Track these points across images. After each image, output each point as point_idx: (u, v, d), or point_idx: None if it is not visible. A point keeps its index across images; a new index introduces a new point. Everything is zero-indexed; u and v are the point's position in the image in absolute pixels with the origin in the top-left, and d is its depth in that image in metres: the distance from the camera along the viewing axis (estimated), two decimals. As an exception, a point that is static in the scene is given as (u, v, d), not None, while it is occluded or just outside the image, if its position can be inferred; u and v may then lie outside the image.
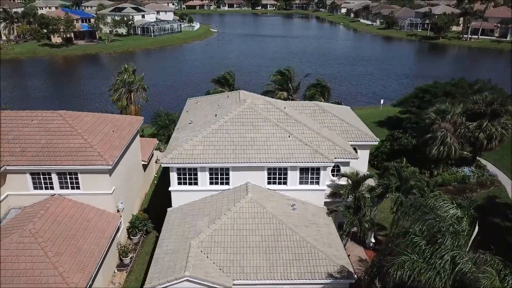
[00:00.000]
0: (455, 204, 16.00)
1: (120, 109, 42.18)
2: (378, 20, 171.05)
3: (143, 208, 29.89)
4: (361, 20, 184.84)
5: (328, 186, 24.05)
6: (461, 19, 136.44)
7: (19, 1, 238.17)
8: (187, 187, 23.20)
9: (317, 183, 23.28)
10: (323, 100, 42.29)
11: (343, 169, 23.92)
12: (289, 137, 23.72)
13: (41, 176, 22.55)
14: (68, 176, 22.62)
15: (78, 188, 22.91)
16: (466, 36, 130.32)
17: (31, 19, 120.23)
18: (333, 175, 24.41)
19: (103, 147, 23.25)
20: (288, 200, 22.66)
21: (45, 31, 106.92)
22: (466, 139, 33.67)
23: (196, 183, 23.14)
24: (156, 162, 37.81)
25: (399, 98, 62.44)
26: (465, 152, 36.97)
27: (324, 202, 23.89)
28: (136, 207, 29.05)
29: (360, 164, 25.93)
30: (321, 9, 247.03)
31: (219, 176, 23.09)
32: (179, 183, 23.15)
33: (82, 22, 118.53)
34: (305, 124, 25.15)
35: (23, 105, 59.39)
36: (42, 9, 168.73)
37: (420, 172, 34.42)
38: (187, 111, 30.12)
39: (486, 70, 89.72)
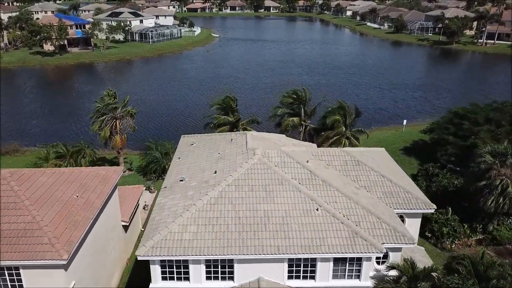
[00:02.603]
0: None
1: (102, 141, 35.64)
2: (386, 24, 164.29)
3: (123, 285, 23.28)
4: (368, 24, 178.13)
5: (371, 277, 17.41)
6: (474, 22, 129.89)
7: (18, 4, 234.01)
8: (174, 283, 16.58)
9: (357, 276, 16.67)
10: (344, 129, 35.84)
11: (392, 257, 17.26)
12: (317, 210, 17.10)
13: (-32, 272, 16.03)
14: (6, 272, 16.06)
15: (20, 287, 16.34)
16: (481, 41, 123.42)
17: (23, 25, 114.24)
18: (378, 262, 17.76)
19: (58, 227, 16.68)
20: (317, 306, 16.05)
21: (36, 38, 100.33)
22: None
23: (187, 278, 16.54)
24: (144, 208, 31.29)
25: (427, 121, 55.61)
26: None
27: (366, 300, 17.27)
28: (113, 284, 22.47)
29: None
30: (325, 12, 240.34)
31: (219, 269, 16.50)
32: (164, 278, 16.55)
33: (77, 28, 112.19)
34: (337, 187, 18.51)
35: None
36: (38, 13, 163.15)
37: (469, 226, 27.91)
38: (179, 158, 23.52)
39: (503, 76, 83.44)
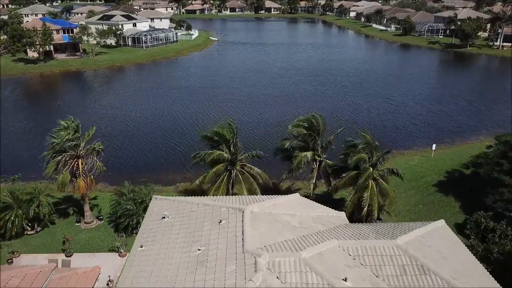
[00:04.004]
0: None
1: (60, 187, 27.61)
2: (393, 25, 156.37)
3: None
4: (374, 25, 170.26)
5: None
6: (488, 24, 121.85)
7: (12, 7, 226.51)
8: None
9: None
10: (371, 169, 27.84)
11: None
12: None
13: None
14: None
15: None
16: (497, 43, 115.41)
17: (8, 29, 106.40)
18: None
19: None
20: None
21: (18, 44, 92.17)
22: None
23: None
24: (108, 285, 23.32)
25: (456, 144, 47.96)
26: None
27: None
28: None
29: None
30: (328, 13, 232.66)
31: None
32: None
33: (64, 32, 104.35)
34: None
35: None
36: (28, 16, 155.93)
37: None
38: (141, 246, 15.56)
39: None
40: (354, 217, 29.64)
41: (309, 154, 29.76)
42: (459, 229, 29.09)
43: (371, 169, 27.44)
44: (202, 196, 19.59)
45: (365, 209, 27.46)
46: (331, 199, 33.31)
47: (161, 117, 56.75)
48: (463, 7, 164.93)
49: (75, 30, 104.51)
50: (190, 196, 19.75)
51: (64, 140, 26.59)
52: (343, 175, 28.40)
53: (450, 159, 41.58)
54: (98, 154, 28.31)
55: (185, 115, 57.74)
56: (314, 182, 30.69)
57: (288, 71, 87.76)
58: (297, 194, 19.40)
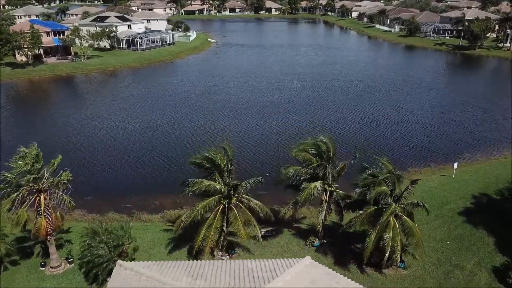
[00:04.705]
0: None
1: (16, 228, 22.79)
2: (397, 26, 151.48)
3: None
4: (377, 26, 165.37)
5: None
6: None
7: (9, 7, 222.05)
8: None
9: None
10: (394, 204, 23.03)
11: None
12: None
13: None
14: None
15: None
16: (507, 45, 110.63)
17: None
18: None
19: None
20: None
21: (5, 47, 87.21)
22: None
23: None
24: None
25: (478, 160, 42.89)
26: None
27: None
28: None
29: None
30: (329, 13, 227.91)
31: None
32: None
33: (55, 35, 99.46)
34: None
35: None
36: (21, 18, 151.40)
37: None
38: None
39: None
40: (372, 260, 24.96)
41: (318, 184, 24.95)
42: (498, 275, 24.34)
43: (394, 204, 22.66)
44: (180, 262, 14.76)
45: (387, 254, 22.69)
46: (342, 231, 28.47)
47: (151, 129, 51.77)
48: (468, 7, 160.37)
49: (66, 33, 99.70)
50: (164, 261, 14.96)
51: (20, 172, 21.79)
52: (360, 212, 23.63)
53: (475, 180, 36.76)
54: (65, 186, 23.46)
55: (176, 126, 52.76)
56: (323, 216, 25.87)
57: (288, 76, 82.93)
58: (307, 259, 14.56)
